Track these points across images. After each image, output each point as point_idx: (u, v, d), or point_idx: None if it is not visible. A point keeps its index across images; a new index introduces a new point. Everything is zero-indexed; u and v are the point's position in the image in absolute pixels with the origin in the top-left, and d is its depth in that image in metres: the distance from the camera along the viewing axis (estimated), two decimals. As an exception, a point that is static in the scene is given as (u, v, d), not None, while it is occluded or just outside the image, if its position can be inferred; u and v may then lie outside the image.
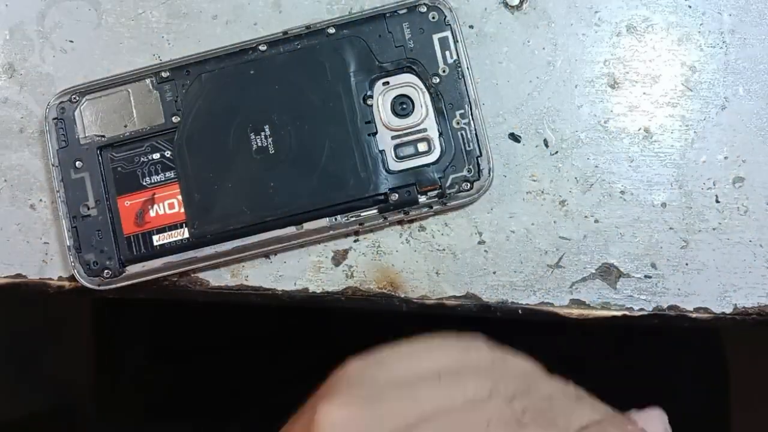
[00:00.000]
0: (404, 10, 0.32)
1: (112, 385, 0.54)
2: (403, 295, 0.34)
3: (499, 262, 0.33)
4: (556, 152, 0.34)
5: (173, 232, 0.33)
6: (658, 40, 0.34)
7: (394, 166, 0.32)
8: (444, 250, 0.34)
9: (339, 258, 0.34)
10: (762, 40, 0.33)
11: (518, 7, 0.34)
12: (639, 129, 0.33)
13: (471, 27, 0.34)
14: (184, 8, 0.35)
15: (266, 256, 0.34)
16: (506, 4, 0.34)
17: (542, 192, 0.33)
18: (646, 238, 0.33)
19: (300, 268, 0.34)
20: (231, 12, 0.34)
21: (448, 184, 0.32)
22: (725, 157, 0.33)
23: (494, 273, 0.33)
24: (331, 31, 0.33)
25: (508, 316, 0.34)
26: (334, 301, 0.34)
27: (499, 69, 0.34)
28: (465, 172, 0.32)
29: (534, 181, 0.33)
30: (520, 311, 0.33)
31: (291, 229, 0.32)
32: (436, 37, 0.32)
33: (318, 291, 0.34)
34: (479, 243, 0.33)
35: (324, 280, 0.34)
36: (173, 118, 0.33)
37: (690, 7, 0.34)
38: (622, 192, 0.33)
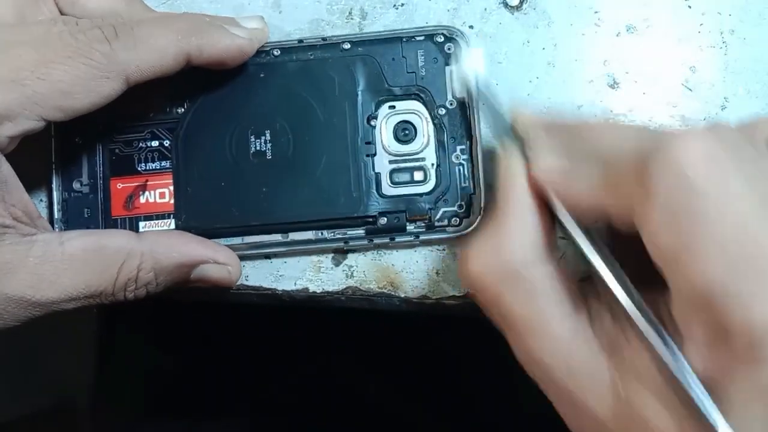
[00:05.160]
0: (422, 37, 0.33)
1: (111, 383, 0.54)
2: (403, 295, 0.34)
3: (499, 261, 0.33)
4: (556, 152, 0.33)
5: (160, 221, 0.33)
6: (658, 40, 0.34)
7: (388, 190, 0.32)
8: (444, 250, 0.34)
9: (339, 258, 0.34)
10: (762, 40, 0.33)
11: (518, 7, 0.34)
12: (639, 129, 0.33)
13: (471, 27, 0.34)
14: (184, 8, 0.35)
15: (254, 258, 0.34)
16: (506, 4, 0.34)
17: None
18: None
19: (300, 268, 0.34)
20: (231, 12, 0.34)
21: (437, 216, 0.32)
22: (725, 157, 0.33)
23: (494, 273, 0.33)
24: (346, 46, 0.33)
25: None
26: (334, 301, 0.34)
27: (499, 69, 0.34)
28: (456, 208, 0.32)
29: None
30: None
31: (276, 237, 0.33)
32: (448, 69, 0.33)
33: (318, 291, 0.34)
34: (479, 243, 0.33)
35: (324, 280, 0.34)
36: (177, 109, 0.33)
37: (690, 7, 0.34)
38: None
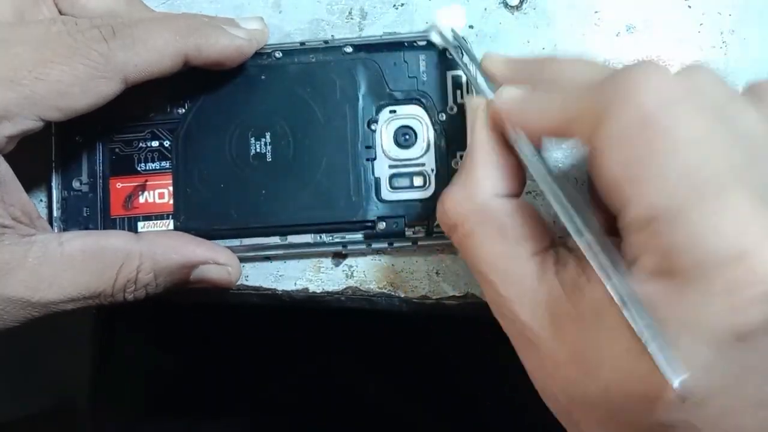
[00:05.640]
0: (424, 43, 0.33)
1: (110, 383, 0.54)
2: (403, 295, 0.34)
3: (499, 262, 0.33)
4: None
5: (158, 222, 0.33)
6: (658, 40, 0.34)
7: (387, 195, 0.32)
8: (444, 250, 0.34)
9: (339, 258, 0.34)
10: (762, 40, 0.33)
11: (518, 7, 0.34)
12: (639, 129, 0.33)
13: (471, 27, 0.34)
14: (184, 8, 0.35)
15: (253, 259, 0.34)
16: (506, 4, 0.34)
17: (543, 192, 0.33)
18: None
19: (300, 268, 0.34)
20: (231, 12, 0.34)
21: (436, 222, 0.32)
22: (725, 157, 0.33)
23: (494, 273, 0.33)
24: (348, 50, 0.33)
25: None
26: (334, 301, 0.34)
27: (499, 69, 0.34)
28: None
29: (532, 181, 0.33)
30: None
31: (275, 239, 0.33)
32: (450, 75, 0.32)
33: (318, 291, 0.34)
34: (479, 243, 0.33)
35: (324, 280, 0.34)
36: (178, 109, 0.33)
37: (690, 7, 0.34)
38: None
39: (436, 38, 0.32)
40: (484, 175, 0.27)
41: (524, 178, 0.28)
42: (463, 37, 0.32)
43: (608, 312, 0.23)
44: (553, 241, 0.27)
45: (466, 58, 0.31)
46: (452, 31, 0.32)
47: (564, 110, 0.24)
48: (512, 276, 0.26)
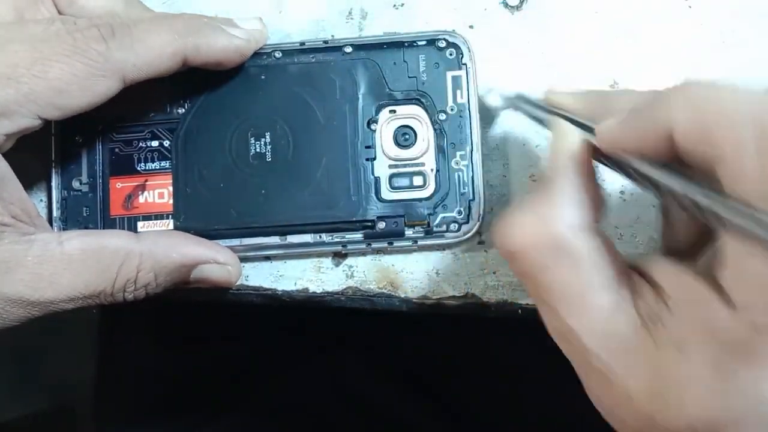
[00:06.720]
0: (423, 42, 0.33)
1: (111, 384, 0.54)
2: (403, 295, 0.34)
3: (499, 262, 0.33)
4: (556, 152, 0.33)
5: (158, 221, 0.33)
6: (659, 40, 0.33)
7: (387, 195, 0.32)
8: (444, 250, 0.34)
9: (339, 258, 0.34)
10: (762, 40, 0.33)
11: (518, 7, 0.34)
12: (639, 129, 0.33)
13: (471, 27, 0.34)
14: (184, 8, 0.35)
15: (254, 258, 0.34)
16: (506, 4, 0.34)
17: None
18: (646, 238, 0.33)
19: (300, 268, 0.34)
20: (231, 12, 0.34)
21: (436, 222, 0.32)
22: (725, 157, 0.33)
23: (494, 273, 0.33)
24: (348, 50, 0.33)
25: (508, 316, 0.34)
26: (334, 302, 0.34)
27: (499, 69, 0.34)
28: (455, 214, 0.32)
29: (534, 181, 0.33)
30: (520, 311, 0.33)
31: (274, 239, 0.33)
32: (449, 75, 0.33)
33: (318, 291, 0.34)
34: (479, 243, 0.33)
35: (324, 280, 0.34)
36: (178, 109, 0.33)
37: (690, 7, 0.34)
38: (622, 192, 0.33)
39: (493, 100, 0.32)
40: (565, 202, 0.25)
41: (602, 208, 0.27)
42: (517, 94, 0.32)
43: (693, 344, 0.22)
44: (627, 271, 0.26)
45: (530, 107, 0.30)
46: (514, 94, 0.32)
47: (660, 128, 0.23)
48: (584, 307, 0.24)
